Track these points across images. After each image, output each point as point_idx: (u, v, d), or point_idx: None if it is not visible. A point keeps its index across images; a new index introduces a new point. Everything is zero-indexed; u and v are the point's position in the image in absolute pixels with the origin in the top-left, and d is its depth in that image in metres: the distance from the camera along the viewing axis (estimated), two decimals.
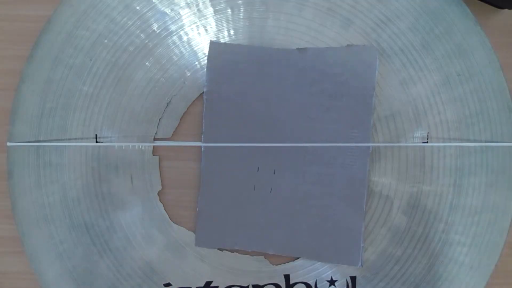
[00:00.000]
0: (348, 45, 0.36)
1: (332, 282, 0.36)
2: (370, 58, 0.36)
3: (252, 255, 0.36)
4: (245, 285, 0.36)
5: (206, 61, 0.36)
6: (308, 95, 0.36)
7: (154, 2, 0.36)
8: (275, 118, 0.36)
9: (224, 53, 0.36)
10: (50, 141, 0.36)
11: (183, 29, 0.36)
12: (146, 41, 0.36)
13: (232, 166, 0.36)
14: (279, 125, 0.36)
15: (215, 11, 0.36)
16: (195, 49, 0.36)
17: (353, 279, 0.36)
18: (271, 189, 0.35)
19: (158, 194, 0.36)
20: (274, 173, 0.36)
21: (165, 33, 0.36)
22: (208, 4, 0.36)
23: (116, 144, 0.36)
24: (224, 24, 0.36)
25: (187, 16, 0.36)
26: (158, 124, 0.36)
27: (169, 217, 0.36)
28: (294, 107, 0.36)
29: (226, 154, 0.36)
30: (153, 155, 0.36)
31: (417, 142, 0.36)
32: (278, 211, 0.36)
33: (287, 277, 0.36)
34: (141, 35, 0.36)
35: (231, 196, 0.36)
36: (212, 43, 0.36)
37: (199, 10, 0.36)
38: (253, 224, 0.36)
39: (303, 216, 0.36)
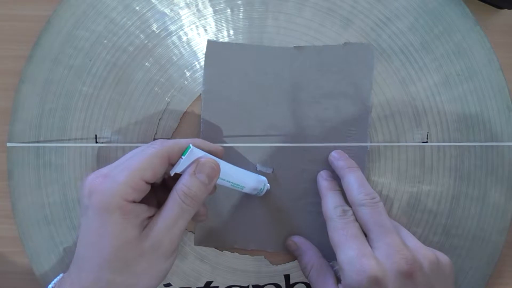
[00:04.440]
0: (345, 43, 0.36)
1: None
2: (367, 56, 0.36)
3: (252, 255, 0.36)
4: (245, 285, 0.36)
5: None
6: (306, 93, 0.36)
7: (153, 3, 0.36)
8: (272, 116, 0.36)
9: (221, 52, 0.36)
10: (50, 141, 0.36)
11: (182, 29, 0.36)
12: (146, 42, 0.36)
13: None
14: (277, 124, 0.36)
15: (215, 11, 0.36)
16: (194, 49, 0.36)
17: None
18: (270, 188, 0.35)
19: None
20: (273, 171, 0.36)
21: (165, 34, 0.36)
22: (208, 4, 0.36)
23: (116, 144, 0.36)
24: (224, 24, 0.36)
25: (186, 16, 0.36)
26: (158, 124, 0.36)
27: None
28: (291, 105, 0.36)
29: (224, 153, 0.35)
30: None
31: (417, 142, 0.36)
32: (277, 209, 0.36)
33: (287, 277, 0.36)
34: (141, 35, 0.36)
35: (230, 195, 0.36)
36: (209, 42, 0.36)
37: (198, 10, 0.36)
38: (252, 223, 0.36)
39: (302, 214, 0.36)
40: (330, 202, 0.33)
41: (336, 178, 0.35)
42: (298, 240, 0.35)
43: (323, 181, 0.35)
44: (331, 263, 0.34)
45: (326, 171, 0.35)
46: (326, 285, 0.32)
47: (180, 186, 0.28)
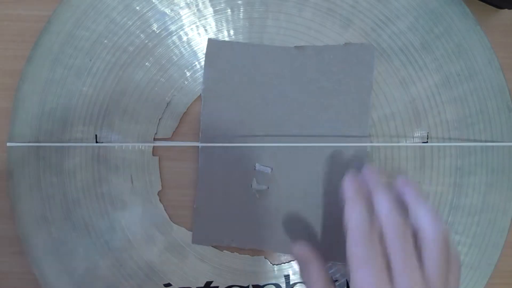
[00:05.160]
0: (345, 43, 0.36)
1: None
2: (367, 56, 0.36)
3: (252, 255, 0.36)
4: (245, 285, 0.36)
5: None
6: (306, 93, 0.36)
7: (154, 2, 0.36)
8: (272, 116, 0.36)
9: (222, 51, 0.36)
10: (50, 141, 0.36)
11: (182, 29, 0.36)
12: (146, 41, 0.36)
13: (229, 164, 0.36)
14: (277, 123, 0.36)
15: (215, 11, 0.36)
16: (195, 49, 0.36)
17: None
18: (268, 187, 0.35)
19: (158, 194, 0.36)
20: (272, 171, 0.36)
21: (165, 33, 0.36)
22: (208, 4, 0.36)
23: (116, 144, 0.36)
24: (224, 24, 0.36)
25: (186, 16, 0.36)
26: (158, 124, 0.36)
27: (169, 217, 0.36)
28: (291, 105, 0.36)
29: (223, 152, 0.36)
30: (153, 155, 0.36)
31: (417, 142, 0.36)
32: (275, 209, 0.36)
33: (287, 277, 0.36)
34: (141, 35, 0.36)
35: (229, 194, 0.36)
36: (210, 41, 0.36)
37: (199, 10, 0.36)
38: (250, 222, 0.36)
39: (301, 214, 0.36)
40: (357, 211, 0.28)
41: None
42: (301, 250, 0.32)
43: (351, 184, 0.30)
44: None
45: (354, 172, 0.31)
46: None
47: None
